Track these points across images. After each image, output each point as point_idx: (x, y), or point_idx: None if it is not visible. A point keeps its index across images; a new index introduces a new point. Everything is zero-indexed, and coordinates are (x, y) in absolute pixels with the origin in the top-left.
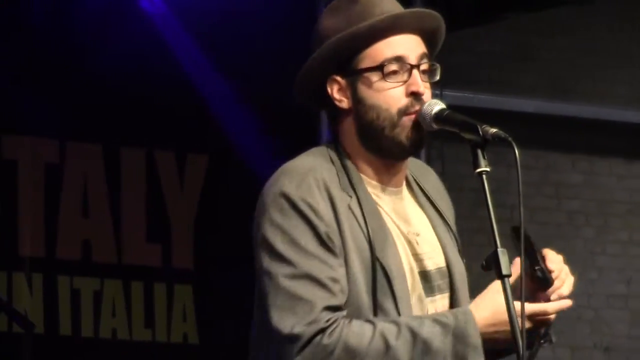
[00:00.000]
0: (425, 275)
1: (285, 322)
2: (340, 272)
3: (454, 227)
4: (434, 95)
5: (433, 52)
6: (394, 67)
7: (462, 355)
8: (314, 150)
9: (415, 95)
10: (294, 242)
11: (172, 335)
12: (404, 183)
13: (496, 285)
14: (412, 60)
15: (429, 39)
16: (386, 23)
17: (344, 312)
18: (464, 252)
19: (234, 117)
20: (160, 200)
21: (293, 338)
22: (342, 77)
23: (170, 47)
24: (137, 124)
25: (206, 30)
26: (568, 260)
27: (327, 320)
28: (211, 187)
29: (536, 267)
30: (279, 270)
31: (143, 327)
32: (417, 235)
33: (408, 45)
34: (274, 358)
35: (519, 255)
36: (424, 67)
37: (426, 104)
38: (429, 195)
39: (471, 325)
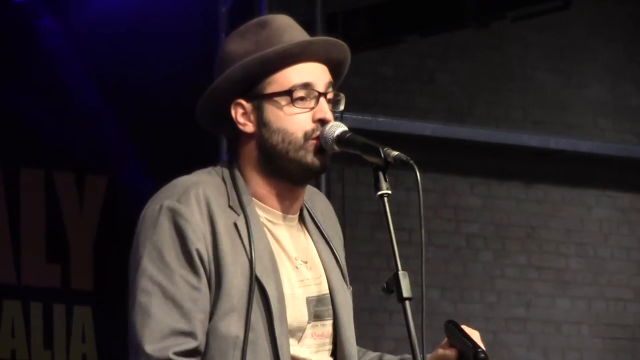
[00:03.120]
0: (310, 302)
1: (137, 338)
2: (199, 294)
3: (340, 254)
4: (335, 118)
5: (337, 82)
6: (302, 93)
7: None
8: (209, 168)
9: (322, 122)
10: (160, 259)
11: (71, 356)
12: (299, 211)
13: None
14: (320, 87)
15: (334, 68)
16: (296, 49)
17: (197, 342)
18: (361, 275)
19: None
20: (59, 221)
21: (143, 355)
22: (247, 100)
23: (67, 75)
24: (36, 145)
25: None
26: (467, 284)
27: (176, 353)
28: (110, 209)
29: (479, 350)
30: (140, 285)
31: (42, 348)
32: (305, 262)
33: (316, 73)
34: None
35: (460, 347)
36: (329, 95)
37: (328, 126)
38: (317, 222)
39: None
